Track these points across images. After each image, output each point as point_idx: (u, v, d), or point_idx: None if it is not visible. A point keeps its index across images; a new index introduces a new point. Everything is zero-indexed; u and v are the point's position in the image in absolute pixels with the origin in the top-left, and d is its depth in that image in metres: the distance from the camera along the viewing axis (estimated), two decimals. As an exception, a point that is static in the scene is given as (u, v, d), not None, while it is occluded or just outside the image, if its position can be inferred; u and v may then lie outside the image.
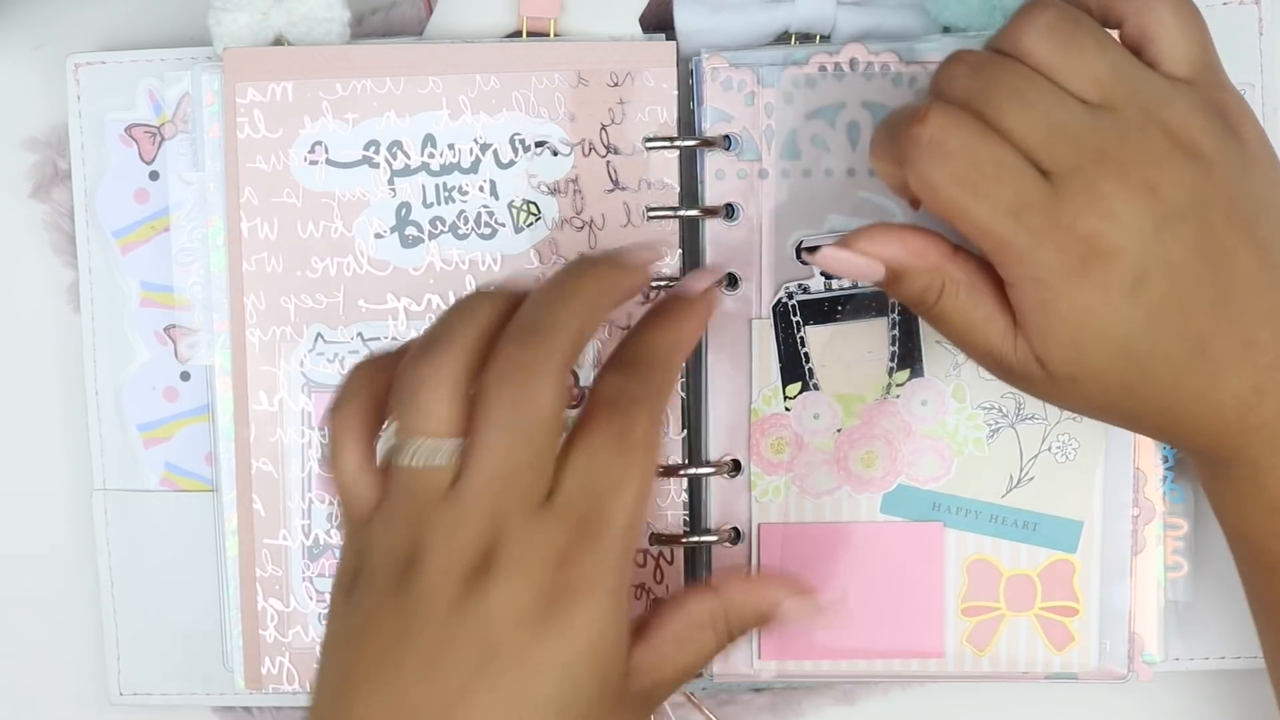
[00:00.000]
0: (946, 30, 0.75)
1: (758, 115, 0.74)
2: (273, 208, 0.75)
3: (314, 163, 0.75)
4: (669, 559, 0.75)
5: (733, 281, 0.74)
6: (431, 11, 0.77)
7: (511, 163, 0.75)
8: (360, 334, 0.75)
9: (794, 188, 0.74)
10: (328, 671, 0.60)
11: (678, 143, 0.74)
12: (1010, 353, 0.64)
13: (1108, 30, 0.64)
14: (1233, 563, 0.74)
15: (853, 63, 0.74)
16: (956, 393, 0.73)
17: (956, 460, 0.73)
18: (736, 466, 0.74)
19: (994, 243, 0.62)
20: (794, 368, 0.73)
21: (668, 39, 0.76)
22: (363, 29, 0.79)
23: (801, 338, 0.73)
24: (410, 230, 0.75)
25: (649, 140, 0.74)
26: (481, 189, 0.75)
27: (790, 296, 0.73)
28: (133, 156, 0.77)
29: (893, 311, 0.73)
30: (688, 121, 0.76)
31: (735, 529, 0.75)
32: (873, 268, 0.65)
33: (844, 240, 0.65)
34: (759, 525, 0.74)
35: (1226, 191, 0.63)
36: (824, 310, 0.73)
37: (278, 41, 0.75)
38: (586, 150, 0.74)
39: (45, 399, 0.80)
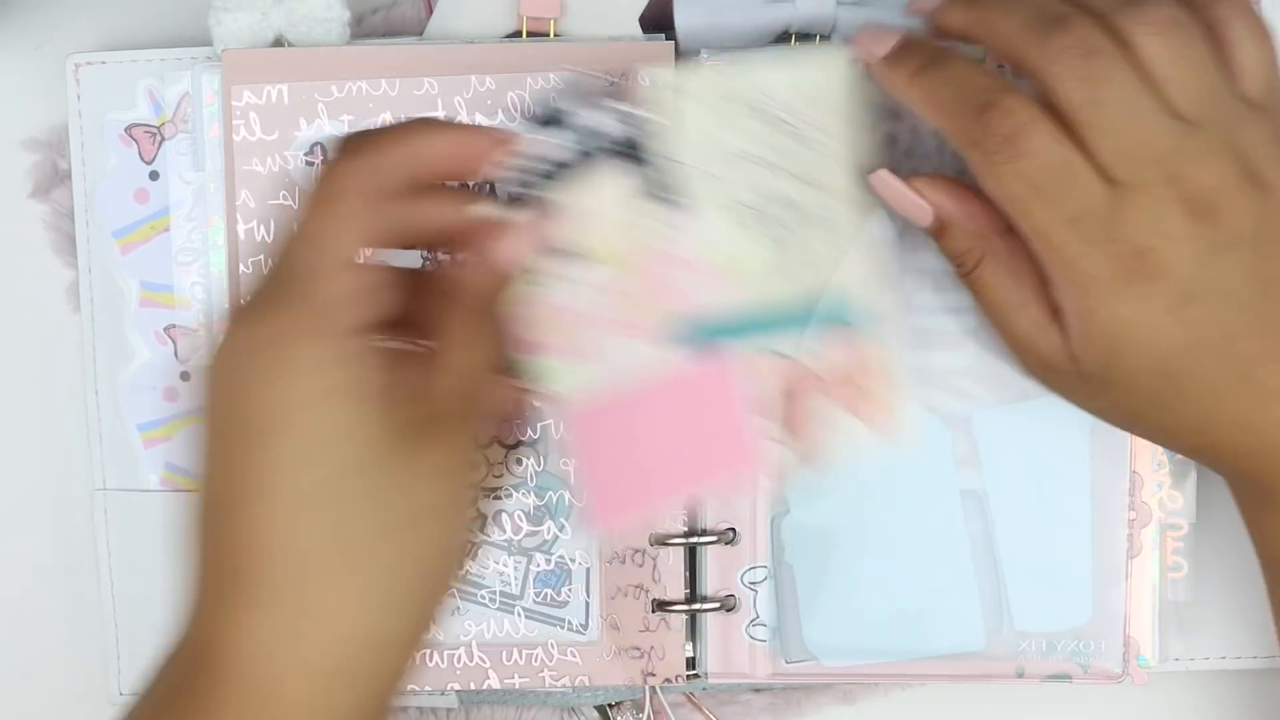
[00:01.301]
0: (946, 30, 0.75)
1: (756, 116, 0.74)
2: (269, 210, 0.75)
3: (312, 164, 0.75)
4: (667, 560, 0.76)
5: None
6: (431, 12, 0.77)
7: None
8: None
9: (792, 188, 0.74)
10: None
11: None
12: (1042, 343, 0.64)
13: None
14: (1233, 563, 0.75)
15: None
16: (722, 215, 0.67)
17: (741, 278, 0.67)
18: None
19: (1045, 244, 0.62)
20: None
21: (667, 39, 0.75)
22: (363, 29, 0.79)
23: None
24: (408, 231, 0.75)
25: (646, 141, 0.74)
26: (479, 190, 0.75)
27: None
28: (133, 156, 0.78)
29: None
30: (689, 121, 0.76)
31: (732, 529, 0.76)
32: (920, 208, 0.66)
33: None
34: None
35: None
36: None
37: (278, 42, 0.75)
38: (582, 152, 0.74)
39: (45, 399, 0.80)
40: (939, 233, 0.66)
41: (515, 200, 0.64)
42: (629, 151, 0.65)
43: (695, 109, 0.65)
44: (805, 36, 0.76)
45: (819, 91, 0.66)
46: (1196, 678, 0.79)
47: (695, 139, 0.65)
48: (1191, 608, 0.77)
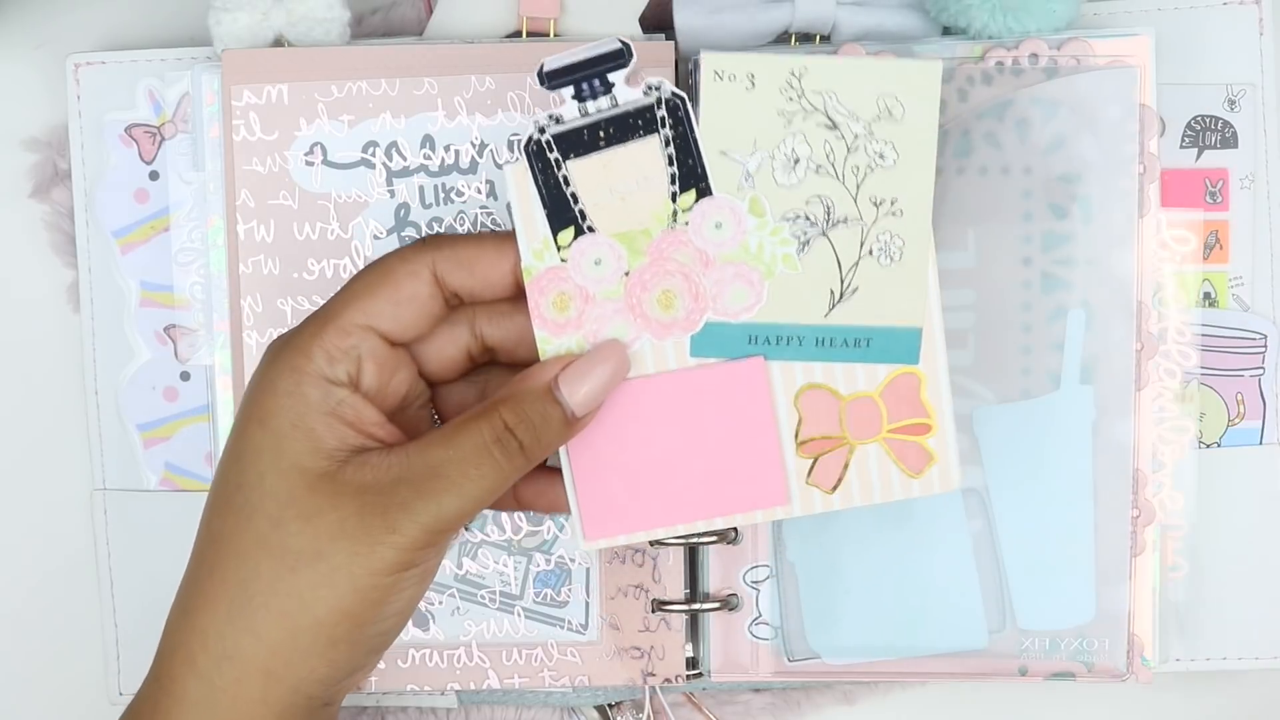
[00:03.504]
0: (946, 31, 0.75)
1: (756, 115, 0.74)
2: (269, 210, 0.75)
3: (311, 164, 0.75)
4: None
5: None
6: (431, 12, 0.77)
7: (509, 163, 0.75)
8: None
9: (793, 188, 0.74)
10: None
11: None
12: None
13: None
14: (1233, 563, 0.75)
15: (851, 63, 0.74)
16: (754, 207, 0.64)
17: (767, 284, 0.64)
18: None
19: None
20: (561, 212, 0.63)
21: (667, 39, 0.76)
22: (363, 29, 0.79)
23: (564, 176, 0.63)
24: (409, 231, 0.75)
25: (646, 141, 0.74)
26: (480, 190, 0.75)
27: (542, 131, 0.63)
28: (133, 156, 0.78)
29: (664, 126, 0.63)
30: (688, 121, 0.76)
31: (733, 527, 0.76)
32: None
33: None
34: None
35: None
36: (585, 140, 0.63)
37: (278, 42, 0.75)
38: (582, 151, 0.74)
39: (45, 399, 0.80)
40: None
41: (525, 154, 0.63)
42: (653, 127, 0.63)
43: (740, 94, 0.63)
44: (805, 37, 0.76)
45: (896, 104, 0.63)
46: (1196, 678, 0.79)
47: (733, 126, 0.63)
48: (1191, 608, 0.77)
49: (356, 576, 0.59)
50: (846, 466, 0.65)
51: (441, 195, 0.75)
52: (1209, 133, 0.77)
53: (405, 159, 0.75)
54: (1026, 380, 0.74)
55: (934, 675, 0.76)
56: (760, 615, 0.76)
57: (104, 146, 0.78)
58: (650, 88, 0.62)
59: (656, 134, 0.63)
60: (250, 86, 0.74)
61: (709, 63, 0.63)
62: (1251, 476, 0.77)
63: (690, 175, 0.63)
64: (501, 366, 0.66)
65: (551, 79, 0.62)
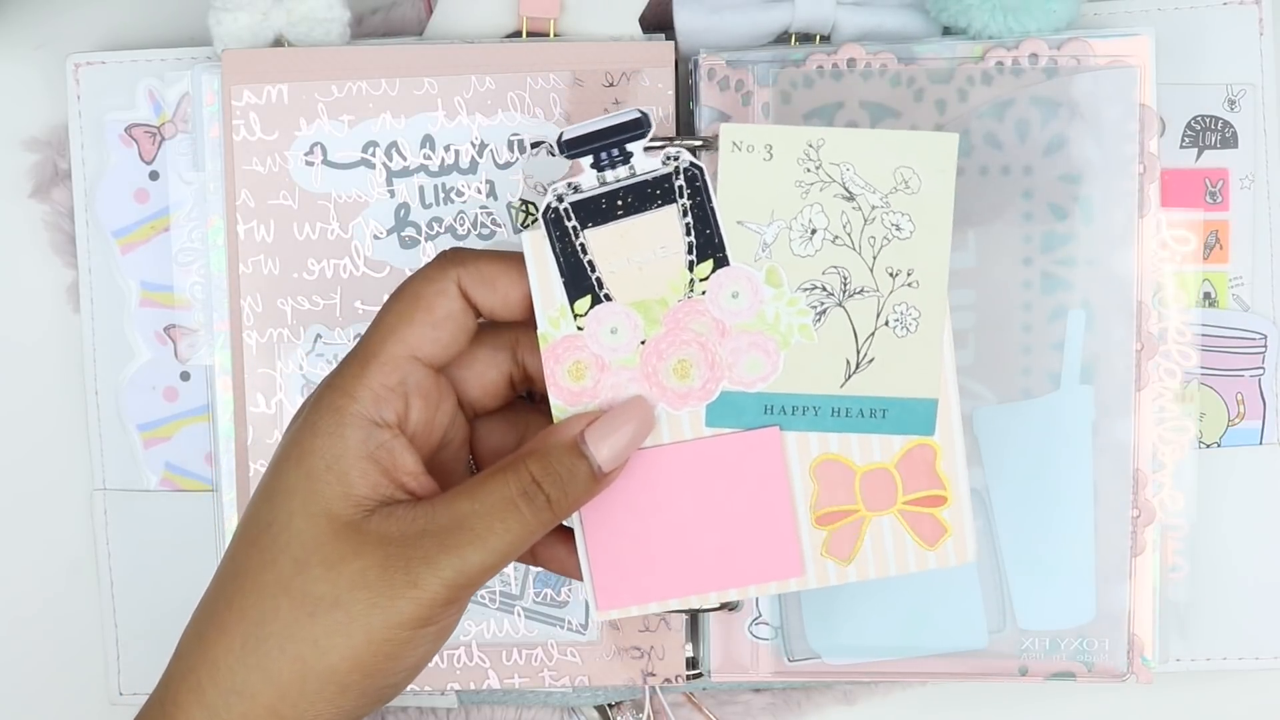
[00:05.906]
0: (947, 31, 0.75)
1: (754, 115, 0.74)
2: (269, 210, 0.75)
3: (311, 164, 0.75)
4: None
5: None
6: (431, 12, 0.77)
7: (509, 164, 0.75)
8: (360, 335, 0.75)
9: (793, 188, 0.74)
10: None
11: (677, 143, 0.74)
12: None
13: None
14: (1233, 563, 0.75)
15: (850, 63, 0.74)
16: (770, 277, 0.63)
17: (783, 354, 0.64)
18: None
19: None
20: (578, 280, 0.63)
21: (667, 39, 0.76)
22: (363, 29, 0.79)
23: (582, 244, 0.63)
24: (409, 231, 0.75)
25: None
26: (479, 190, 0.75)
27: (560, 200, 0.62)
28: (133, 156, 0.78)
29: (682, 196, 0.63)
30: (689, 122, 0.76)
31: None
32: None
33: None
34: None
35: None
36: (603, 209, 0.62)
37: (278, 42, 0.75)
38: (583, 151, 0.74)
39: (45, 399, 0.80)
40: None
41: (543, 222, 0.62)
42: (671, 196, 0.63)
43: (758, 164, 0.63)
44: (805, 37, 0.76)
45: (913, 176, 0.63)
46: (1196, 678, 0.79)
47: (751, 196, 0.63)
48: (1191, 608, 0.77)
49: (373, 628, 0.59)
50: (861, 538, 0.65)
51: (441, 195, 0.75)
52: (1209, 133, 0.77)
53: (405, 159, 0.75)
54: (1027, 380, 0.74)
55: (934, 675, 0.76)
56: (760, 615, 0.76)
57: (104, 146, 0.78)
58: (669, 158, 0.62)
59: (674, 204, 0.62)
60: (250, 86, 0.74)
61: (727, 134, 0.62)
62: (1251, 476, 0.77)
63: (708, 245, 0.63)
64: (541, 413, 0.65)
65: (570, 148, 0.62)
